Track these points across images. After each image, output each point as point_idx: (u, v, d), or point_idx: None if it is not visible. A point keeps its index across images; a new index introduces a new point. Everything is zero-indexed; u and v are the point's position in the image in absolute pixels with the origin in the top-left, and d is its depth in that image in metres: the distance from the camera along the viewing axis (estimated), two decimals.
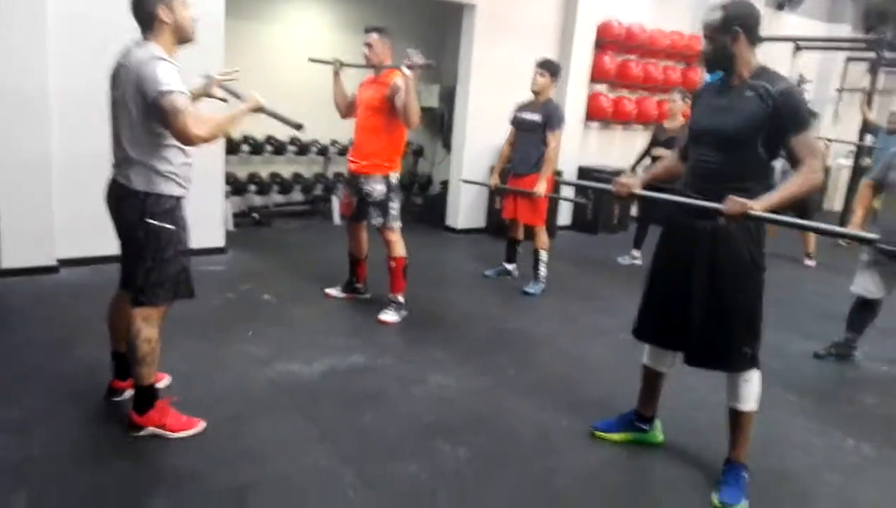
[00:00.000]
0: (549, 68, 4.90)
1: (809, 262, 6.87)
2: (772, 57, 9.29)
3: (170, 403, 2.75)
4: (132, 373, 2.68)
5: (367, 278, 4.61)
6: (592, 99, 7.66)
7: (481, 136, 6.71)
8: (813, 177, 2.35)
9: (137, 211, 2.49)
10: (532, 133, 4.91)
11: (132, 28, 2.51)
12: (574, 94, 7.35)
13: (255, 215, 6.71)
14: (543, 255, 5.09)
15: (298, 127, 2.82)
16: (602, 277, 5.91)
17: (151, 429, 2.67)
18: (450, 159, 7.19)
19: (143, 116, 2.41)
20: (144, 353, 2.61)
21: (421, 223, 7.41)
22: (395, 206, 4.18)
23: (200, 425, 2.74)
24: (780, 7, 9.56)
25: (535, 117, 4.89)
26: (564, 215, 7.64)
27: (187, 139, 2.41)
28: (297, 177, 7.01)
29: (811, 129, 2.40)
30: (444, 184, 7.37)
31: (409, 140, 7.81)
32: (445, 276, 5.50)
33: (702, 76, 8.48)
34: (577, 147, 7.56)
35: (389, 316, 4.21)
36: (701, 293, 2.55)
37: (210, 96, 2.99)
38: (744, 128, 2.41)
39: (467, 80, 6.68)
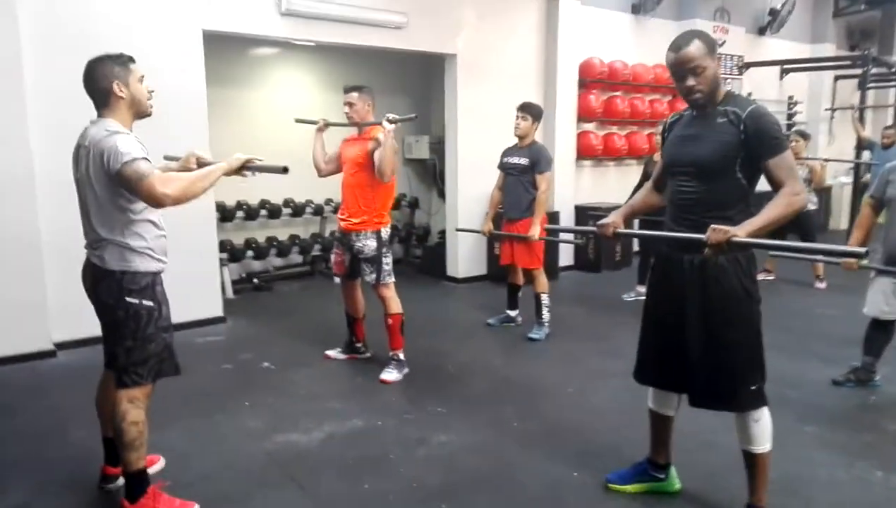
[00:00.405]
0: (530, 111, 4.90)
1: (820, 285, 6.72)
2: (759, 81, 9.36)
3: (161, 487, 2.64)
4: (121, 459, 2.58)
5: (367, 336, 4.52)
6: (581, 137, 7.68)
7: (473, 183, 6.68)
8: (795, 199, 2.27)
9: (115, 290, 2.44)
10: (520, 176, 4.89)
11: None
12: (563, 134, 7.36)
13: (255, 280, 6.68)
14: (545, 299, 5.00)
15: (284, 170, 2.64)
16: (608, 316, 5.79)
17: None
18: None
19: (109, 193, 2.37)
20: (132, 437, 2.52)
21: (422, 274, 7.37)
22: (387, 261, 4.12)
23: None
24: (761, 32, 9.65)
25: (522, 160, 4.88)
26: (566, 255, 7.57)
27: (156, 200, 2.31)
28: (295, 238, 7.00)
29: (786, 150, 2.33)
30: (442, 233, 7.33)
31: (403, 192, 7.90)
32: (447, 327, 5.40)
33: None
34: (571, 186, 7.55)
35: (390, 374, 4.11)
36: (696, 330, 2.46)
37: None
38: (719, 156, 2.36)
39: (454, 128, 6.71)
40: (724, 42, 8.61)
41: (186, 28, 5.02)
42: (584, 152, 7.73)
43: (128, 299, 2.44)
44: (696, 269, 2.43)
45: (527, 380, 4.17)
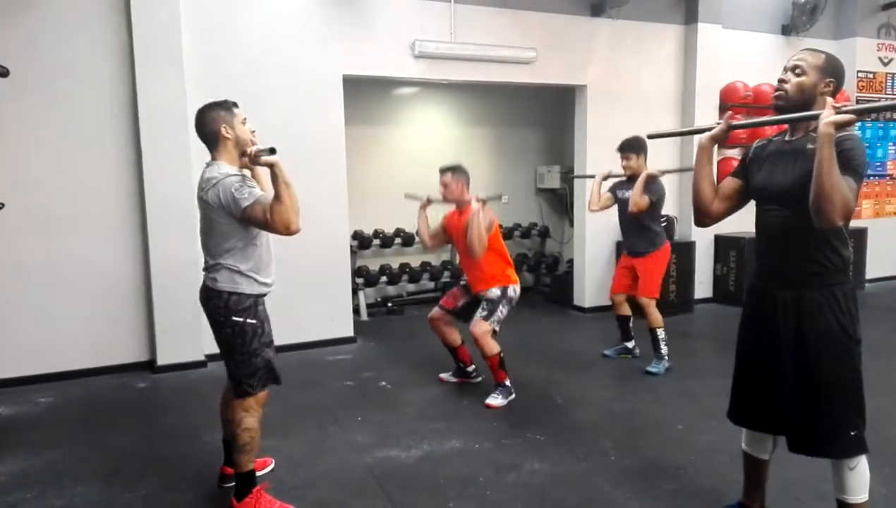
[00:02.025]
0: (632, 149, 4.85)
1: None
2: None
3: (265, 489, 2.93)
4: (234, 460, 2.90)
5: (476, 361, 4.64)
6: (723, 164, 7.32)
7: (602, 212, 6.61)
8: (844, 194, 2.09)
9: (222, 309, 2.78)
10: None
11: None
12: None
13: (390, 304, 7.08)
14: (660, 333, 4.85)
15: (272, 151, 2.70)
16: None
17: None
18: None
19: (224, 225, 2.72)
20: (245, 442, 2.83)
21: (549, 303, 7.41)
22: (503, 310, 4.24)
23: None
24: None
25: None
26: (704, 287, 7.25)
27: (288, 231, 2.62)
28: (426, 265, 7.32)
29: (857, 180, 2.15)
30: (571, 263, 7.32)
31: (534, 221, 7.98)
32: (564, 357, 5.38)
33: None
34: None
35: (495, 400, 4.21)
36: (791, 371, 2.34)
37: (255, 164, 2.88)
38: (807, 183, 2.25)
39: (584, 157, 6.72)
40: (890, 60, 7.89)
41: (329, 73, 5.53)
42: None
43: (234, 318, 2.77)
44: (790, 307, 2.33)
45: (634, 414, 4.08)
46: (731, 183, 2.59)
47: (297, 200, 2.65)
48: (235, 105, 2.85)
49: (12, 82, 4.34)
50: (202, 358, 5.13)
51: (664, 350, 4.85)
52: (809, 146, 2.27)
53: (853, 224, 7.51)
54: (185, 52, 4.95)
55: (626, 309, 5.16)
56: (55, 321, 4.82)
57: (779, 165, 2.39)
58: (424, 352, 5.42)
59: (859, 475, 2.30)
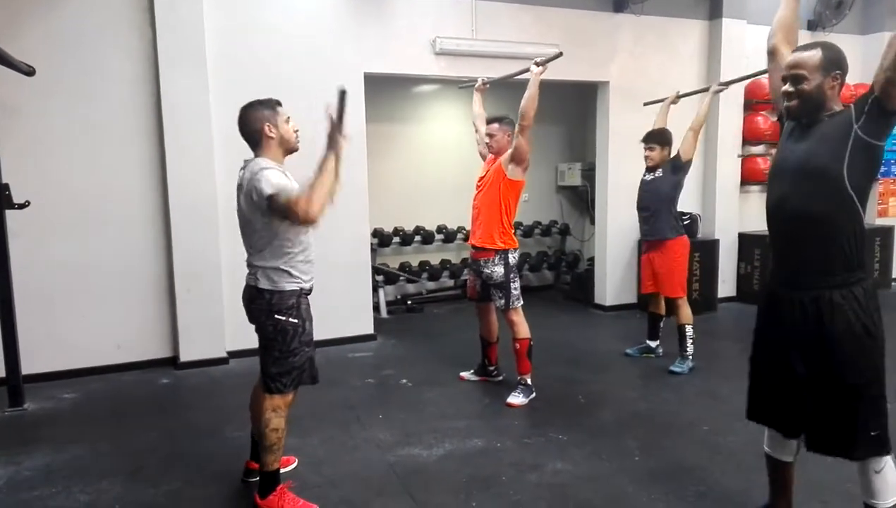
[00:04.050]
0: (657, 140, 4.81)
1: None
2: None
3: (288, 487, 2.93)
4: (260, 459, 2.90)
5: (500, 361, 4.63)
6: (747, 162, 7.25)
7: (624, 209, 6.56)
8: None
9: (265, 308, 2.78)
10: (660, 196, 4.79)
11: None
12: (724, 159, 7.01)
13: (409, 302, 7.07)
14: (689, 331, 4.80)
15: (342, 93, 2.63)
16: None
17: None
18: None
19: (263, 224, 2.71)
20: (272, 442, 2.83)
21: (569, 301, 7.36)
22: (515, 287, 4.23)
23: None
24: None
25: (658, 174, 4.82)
26: (727, 285, 7.16)
27: (310, 221, 2.52)
28: (446, 263, 7.30)
29: None
30: (591, 260, 7.27)
31: (555, 219, 7.93)
32: (585, 356, 5.34)
33: None
34: (734, 213, 7.14)
35: (517, 398, 4.18)
36: (810, 372, 2.30)
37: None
38: (821, 158, 2.26)
39: (605, 154, 6.66)
40: None
41: (350, 72, 5.50)
42: (750, 177, 7.28)
43: (276, 316, 2.77)
44: (809, 309, 2.28)
45: (658, 415, 4.04)
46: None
47: (325, 194, 2.53)
48: (279, 103, 2.84)
49: (38, 81, 4.40)
50: (224, 354, 5.15)
51: (690, 349, 4.80)
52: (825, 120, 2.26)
53: (880, 221, 7.41)
54: (208, 50, 4.97)
55: (661, 308, 5.10)
56: (80, 318, 4.86)
57: (796, 143, 2.35)
58: (444, 350, 5.41)
59: (886, 478, 2.25)
